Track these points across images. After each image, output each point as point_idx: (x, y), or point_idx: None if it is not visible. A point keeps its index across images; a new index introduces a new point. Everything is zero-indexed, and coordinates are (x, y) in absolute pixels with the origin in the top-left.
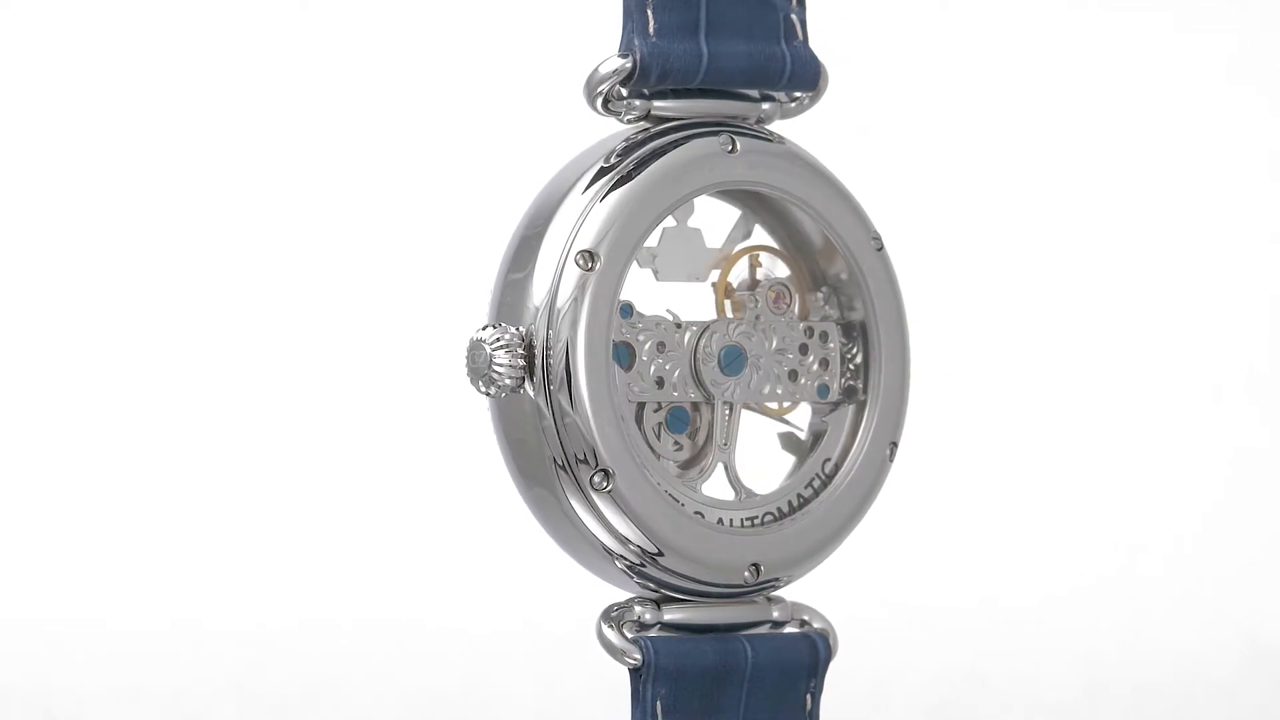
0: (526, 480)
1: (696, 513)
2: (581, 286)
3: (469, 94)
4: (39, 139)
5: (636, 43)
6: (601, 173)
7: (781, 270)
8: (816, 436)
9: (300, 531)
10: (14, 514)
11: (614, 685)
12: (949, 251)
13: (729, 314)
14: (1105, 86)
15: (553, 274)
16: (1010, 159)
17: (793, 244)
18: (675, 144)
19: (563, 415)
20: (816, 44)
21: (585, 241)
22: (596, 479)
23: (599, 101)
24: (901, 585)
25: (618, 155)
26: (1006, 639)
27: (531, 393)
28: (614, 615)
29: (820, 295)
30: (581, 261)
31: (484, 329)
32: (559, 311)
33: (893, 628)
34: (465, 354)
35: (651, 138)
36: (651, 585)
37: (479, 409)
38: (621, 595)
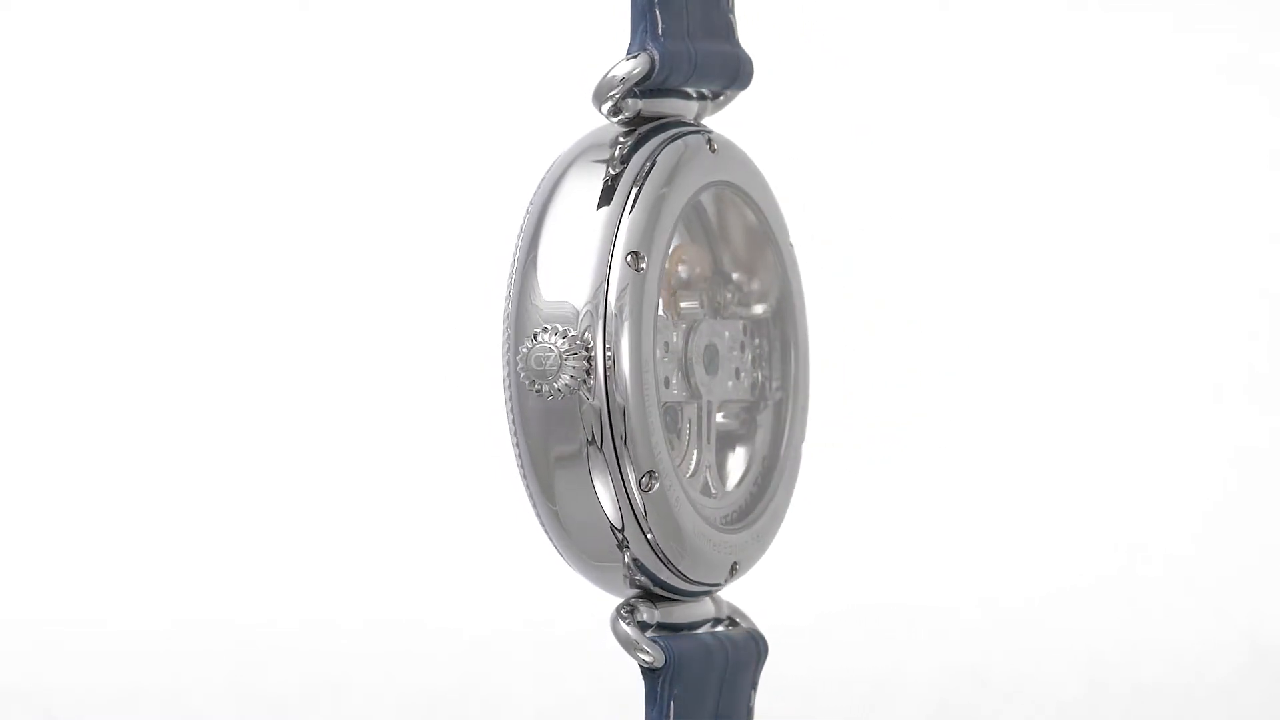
0: (550, 478)
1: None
2: (631, 287)
3: (452, 94)
4: (40, 139)
5: (650, 44)
6: (617, 176)
7: (695, 268)
8: (740, 435)
9: (301, 531)
10: (14, 514)
11: (615, 685)
12: (952, 251)
13: (675, 312)
14: (1105, 86)
15: (597, 277)
16: (1012, 160)
17: (698, 242)
18: (671, 144)
19: (620, 415)
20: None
21: (629, 243)
22: (644, 480)
23: (610, 104)
24: (901, 585)
25: (621, 161)
26: (1007, 639)
27: (587, 395)
28: (625, 613)
29: (729, 293)
30: (631, 262)
31: (542, 331)
32: (613, 314)
33: (893, 628)
34: (523, 356)
35: (643, 138)
36: (646, 584)
37: (479, 409)
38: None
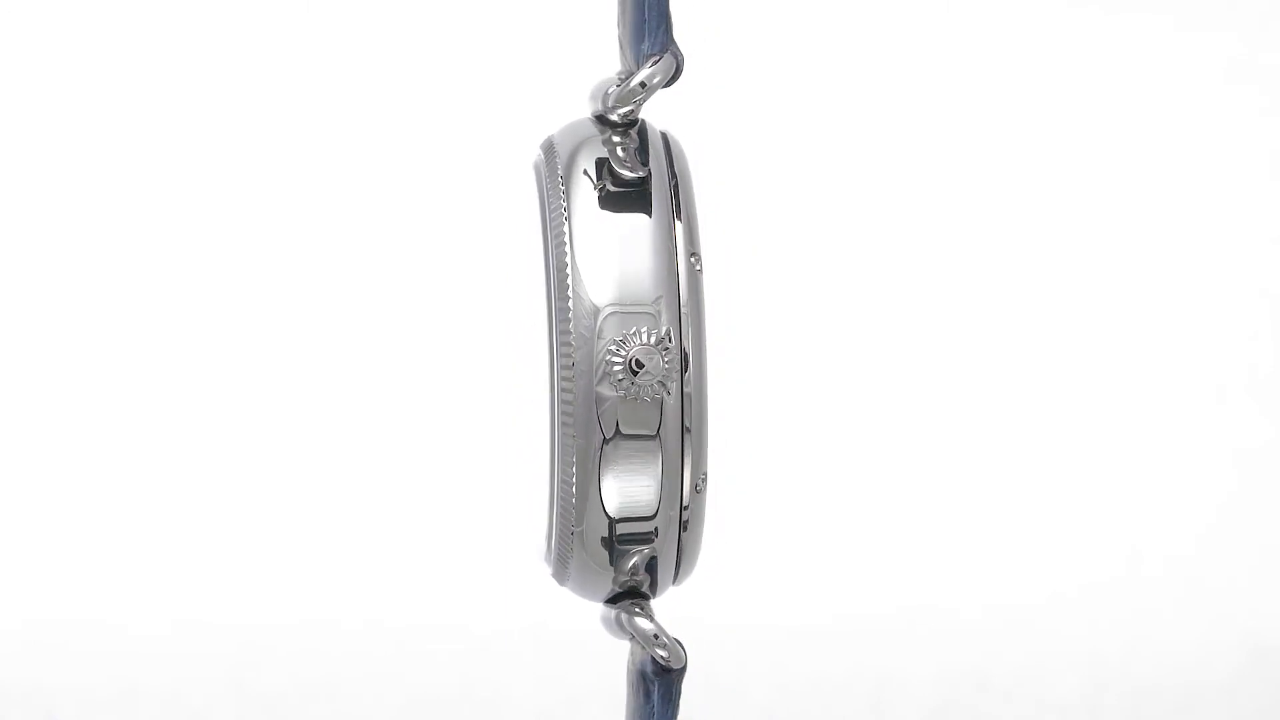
0: (591, 473)
1: None
2: (695, 287)
3: (435, 92)
4: (39, 139)
5: (672, 46)
6: (644, 179)
7: None
8: None
9: (301, 531)
10: (14, 514)
11: (615, 685)
12: (953, 251)
13: None
14: (1106, 87)
15: (667, 278)
16: (1012, 160)
17: None
18: (669, 144)
19: (689, 413)
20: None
21: (689, 244)
22: (699, 483)
23: (628, 109)
24: (902, 585)
25: (642, 163)
26: (1008, 641)
27: (665, 394)
28: (638, 610)
29: None
30: (694, 261)
31: (633, 333)
32: (685, 314)
33: (894, 629)
34: (622, 359)
35: (642, 138)
36: (638, 585)
37: (479, 409)
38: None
